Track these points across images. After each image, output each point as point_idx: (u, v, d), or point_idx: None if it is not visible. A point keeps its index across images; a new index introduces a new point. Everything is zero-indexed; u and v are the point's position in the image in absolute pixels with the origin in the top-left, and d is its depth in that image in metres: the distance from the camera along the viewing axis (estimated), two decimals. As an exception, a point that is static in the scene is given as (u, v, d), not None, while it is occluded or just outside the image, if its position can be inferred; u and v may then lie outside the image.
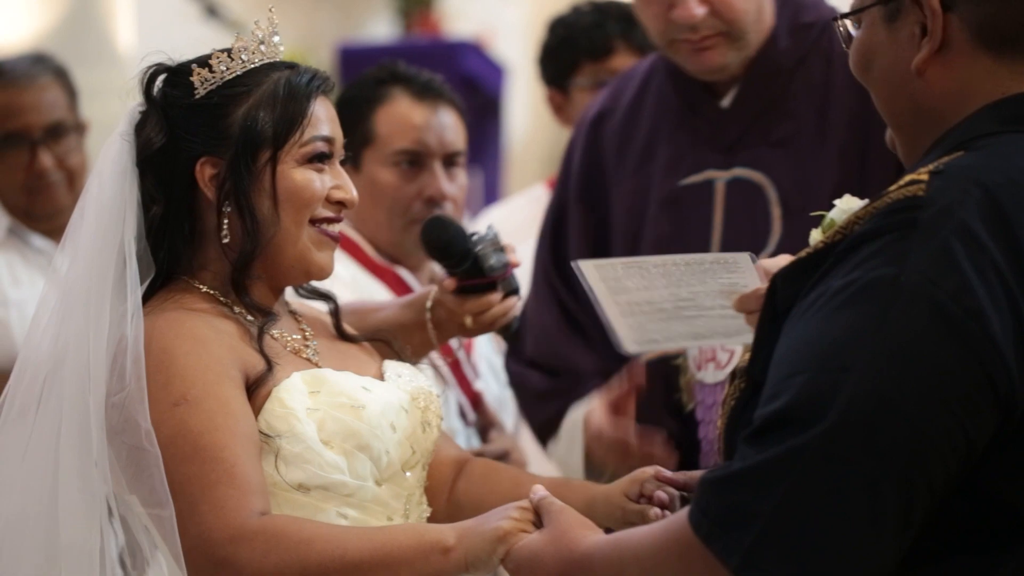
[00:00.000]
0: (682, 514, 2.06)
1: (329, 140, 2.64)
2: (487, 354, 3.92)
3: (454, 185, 3.75)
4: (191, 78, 2.61)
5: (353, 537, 2.43)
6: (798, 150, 3.25)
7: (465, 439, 3.67)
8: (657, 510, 2.55)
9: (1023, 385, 1.95)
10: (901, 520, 1.94)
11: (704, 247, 3.22)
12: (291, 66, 2.66)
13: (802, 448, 1.94)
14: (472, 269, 3.08)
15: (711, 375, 3.23)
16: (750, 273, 2.93)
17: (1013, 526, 2.00)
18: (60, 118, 4.31)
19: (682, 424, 3.25)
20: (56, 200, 4.27)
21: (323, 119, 2.63)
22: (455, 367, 3.69)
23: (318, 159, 2.61)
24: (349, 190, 2.65)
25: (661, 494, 2.57)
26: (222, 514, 2.39)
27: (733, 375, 2.25)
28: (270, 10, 2.67)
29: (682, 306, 3.06)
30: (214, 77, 2.61)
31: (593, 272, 3.06)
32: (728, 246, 3.21)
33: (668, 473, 2.60)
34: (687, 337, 3.10)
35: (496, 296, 3.06)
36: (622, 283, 3.07)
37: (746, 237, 3.22)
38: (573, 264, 3.09)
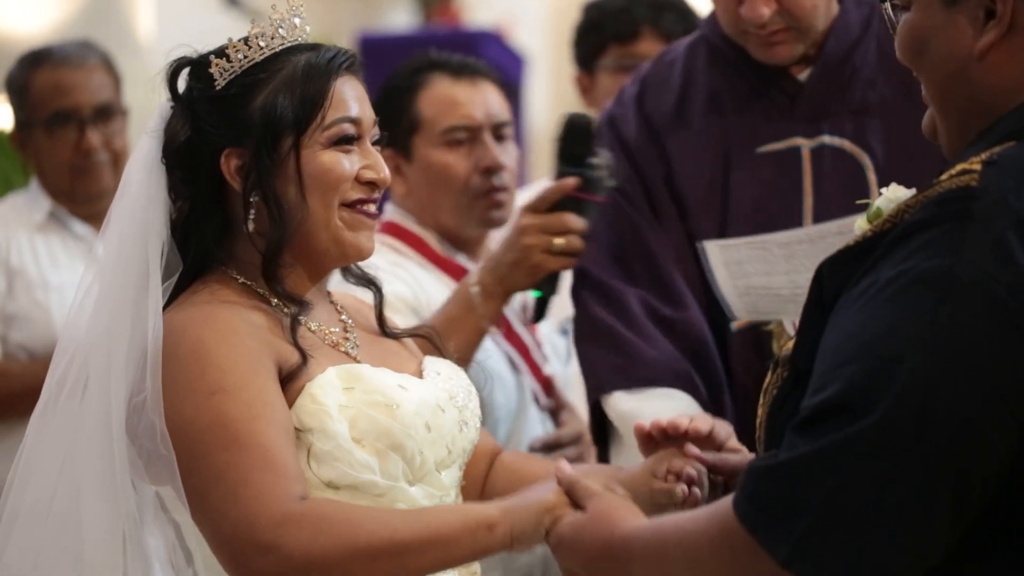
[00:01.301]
0: (726, 502, 2.04)
1: (355, 121, 2.58)
2: (548, 335, 3.93)
3: (507, 155, 3.76)
4: (210, 70, 2.57)
5: (400, 518, 2.43)
6: (886, 116, 3.25)
7: (541, 424, 3.68)
8: (683, 487, 2.52)
9: None
10: (952, 512, 1.92)
11: (796, 213, 3.20)
12: (314, 47, 2.60)
13: (853, 439, 1.92)
14: (589, 182, 3.15)
15: None
16: None
17: None
18: (108, 100, 4.33)
19: None
20: (101, 181, 4.29)
21: (348, 98, 2.58)
22: (525, 353, 3.70)
23: (344, 141, 2.57)
24: (380, 169, 2.60)
25: (689, 470, 2.53)
26: (265, 499, 2.37)
27: (775, 363, 2.23)
28: None
29: (799, 292, 3.06)
30: (232, 67, 2.57)
31: (716, 253, 3.06)
32: (824, 213, 3.20)
33: (695, 450, 2.56)
34: (797, 313, 3.10)
35: (581, 224, 3.15)
36: (743, 267, 3.08)
37: (843, 204, 3.18)
38: (697, 244, 3.10)
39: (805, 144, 3.26)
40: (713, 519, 2.05)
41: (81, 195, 4.31)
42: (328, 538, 2.35)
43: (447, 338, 2.99)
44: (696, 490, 2.53)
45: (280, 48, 2.58)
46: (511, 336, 3.60)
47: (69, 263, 4.27)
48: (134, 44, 6.54)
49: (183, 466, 2.42)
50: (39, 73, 4.33)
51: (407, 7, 9.12)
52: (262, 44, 2.58)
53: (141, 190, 2.56)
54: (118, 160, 4.26)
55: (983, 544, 1.98)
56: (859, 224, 2.17)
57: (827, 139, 3.26)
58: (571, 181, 3.21)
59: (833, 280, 2.07)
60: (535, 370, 3.70)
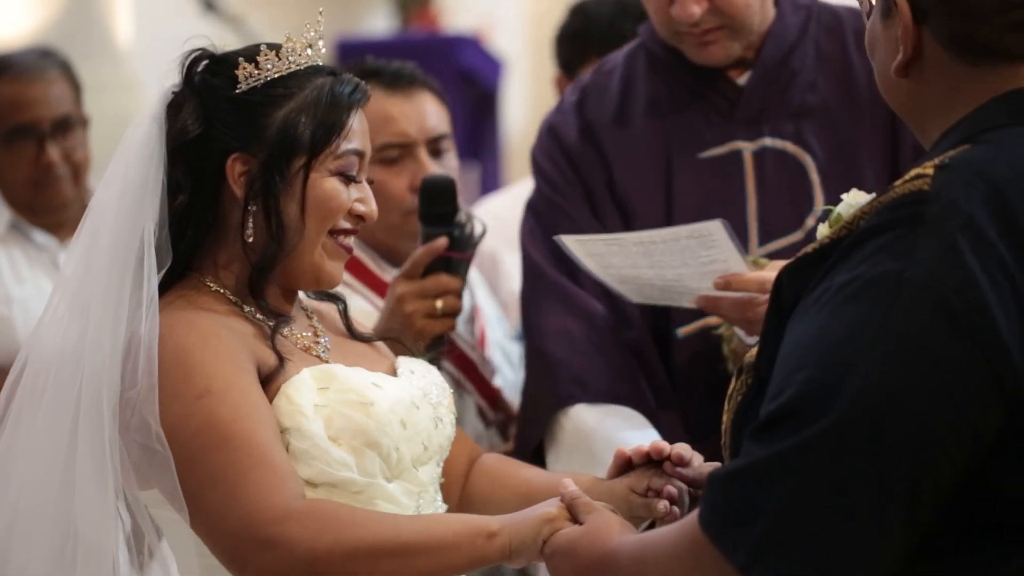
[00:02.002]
0: (695, 514, 2.06)
1: (360, 154, 2.63)
2: (499, 341, 3.90)
3: (444, 169, 3.70)
4: (236, 71, 2.58)
5: (403, 521, 2.46)
6: (825, 118, 3.27)
7: (487, 441, 3.62)
8: (665, 503, 2.54)
9: None
10: (908, 516, 1.94)
11: (740, 215, 3.21)
12: (333, 72, 2.64)
13: (807, 443, 1.94)
14: (458, 240, 3.16)
15: None
16: (726, 245, 2.94)
17: (1021, 522, 1.99)
18: (68, 112, 4.29)
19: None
20: (62, 194, 4.26)
21: (358, 132, 2.62)
22: (470, 370, 3.63)
23: (349, 174, 2.61)
24: (371, 204, 2.64)
25: (670, 488, 2.56)
26: (266, 496, 2.38)
27: (739, 370, 2.24)
28: (319, 12, 2.65)
29: (671, 285, 3.07)
30: (259, 74, 2.58)
31: (576, 247, 3.07)
32: (768, 215, 3.22)
33: (677, 469, 2.59)
34: (683, 300, 3.11)
35: (458, 283, 3.17)
36: (607, 259, 3.08)
37: (787, 206, 3.22)
38: (556, 239, 3.09)
39: (747, 147, 3.27)
40: (682, 531, 2.07)
41: (42, 208, 4.28)
42: (332, 535, 2.37)
43: None
44: (676, 508, 2.56)
45: (305, 66, 2.61)
46: (453, 354, 3.54)
47: (32, 275, 4.25)
48: (113, 49, 6.54)
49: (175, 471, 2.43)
50: None
51: (385, 12, 9.13)
52: (291, 59, 2.60)
53: (141, 177, 2.55)
54: (79, 172, 4.26)
55: (942, 548, 1.99)
56: (820, 230, 2.20)
57: (768, 141, 3.26)
58: (441, 242, 3.22)
59: (791, 287, 2.09)
60: (481, 386, 3.65)
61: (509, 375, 3.81)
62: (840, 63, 3.29)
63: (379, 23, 9.15)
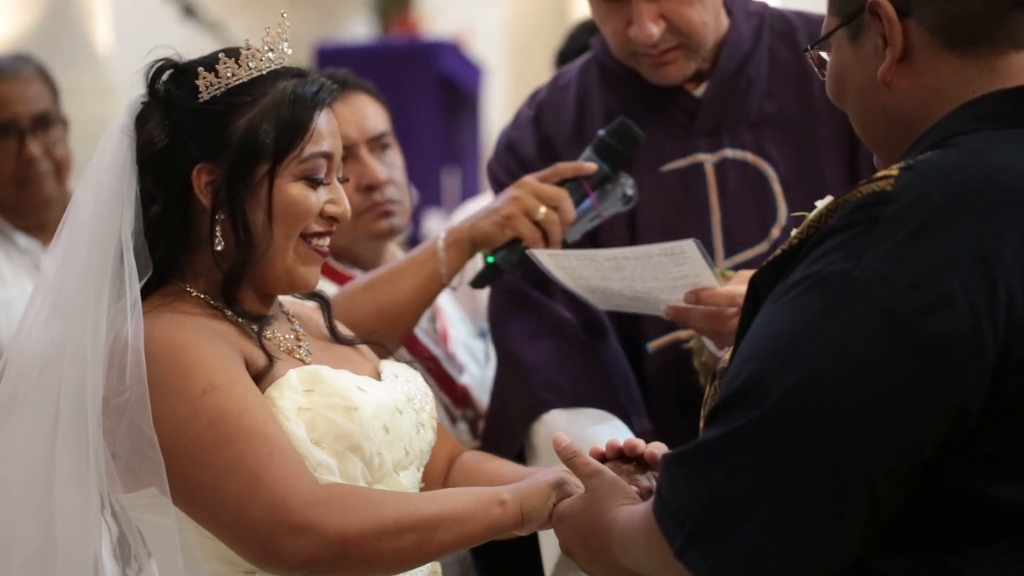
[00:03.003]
0: None
1: (329, 156, 2.61)
2: (462, 339, 3.91)
3: (388, 167, 3.70)
4: (196, 81, 2.58)
5: (419, 497, 2.51)
6: (784, 126, 3.26)
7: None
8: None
9: (978, 383, 1.95)
10: (833, 512, 1.95)
11: (705, 228, 3.20)
12: (301, 74, 2.63)
13: (738, 431, 1.98)
14: (603, 183, 3.12)
15: None
16: (698, 262, 2.94)
17: (984, 519, 2.00)
18: (46, 108, 4.31)
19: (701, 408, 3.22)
20: (44, 191, 4.28)
21: (325, 134, 2.60)
22: (435, 367, 3.64)
23: (316, 178, 2.60)
24: (342, 204, 2.63)
25: (645, 483, 2.56)
26: (290, 482, 2.40)
27: (713, 376, 2.27)
28: (282, 14, 2.63)
29: (640, 296, 3.07)
30: (219, 82, 2.57)
31: (547, 260, 3.07)
32: (732, 227, 3.21)
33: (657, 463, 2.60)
34: (652, 310, 3.11)
35: (572, 214, 3.11)
36: (577, 271, 3.08)
37: (751, 217, 3.22)
38: (527, 252, 3.08)
39: (708, 159, 3.25)
40: (644, 512, 2.12)
41: (26, 206, 4.29)
42: (357, 514, 2.40)
43: (403, 278, 3.07)
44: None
45: (267, 71, 2.60)
46: (416, 349, 3.54)
47: (14, 278, 4.25)
48: (92, 55, 6.54)
49: (183, 467, 2.43)
50: None
51: (365, 17, 9.13)
52: (251, 65, 2.59)
53: (115, 187, 2.56)
54: (60, 169, 4.28)
55: (905, 548, 2.01)
56: (794, 234, 2.22)
57: (729, 152, 3.25)
58: (588, 165, 3.15)
59: (764, 289, 2.11)
60: (446, 383, 3.65)
61: (475, 372, 3.82)
62: (795, 69, 3.28)
63: (359, 29, 9.15)
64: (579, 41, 4.50)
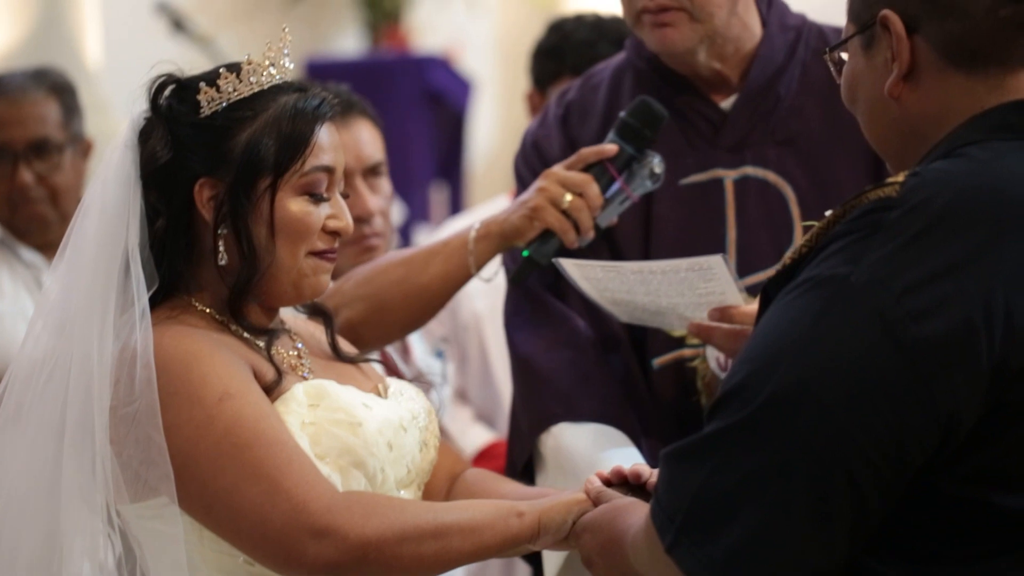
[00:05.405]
0: None
1: (330, 170, 2.62)
2: (422, 358, 3.92)
3: (379, 197, 3.70)
4: (198, 96, 2.59)
5: (438, 505, 2.54)
6: (809, 148, 3.23)
7: None
8: None
9: (972, 391, 1.96)
10: (817, 512, 1.96)
11: (719, 245, 3.17)
12: (302, 88, 2.63)
13: (727, 430, 2.00)
14: (629, 164, 3.09)
15: None
16: (725, 278, 2.94)
17: (987, 528, 2.01)
18: (46, 134, 4.27)
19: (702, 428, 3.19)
20: (38, 216, 4.26)
21: (326, 147, 2.61)
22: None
23: (317, 193, 2.60)
24: (344, 218, 2.64)
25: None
26: (310, 487, 2.42)
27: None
28: (284, 29, 2.64)
29: (664, 311, 3.06)
30: (221, 97, 2.58)
31: (574, 270, 3.06)
32: (746, 244, 3.19)
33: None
34: (675, 325, 3.10)
35: (600, 199, 3.07)
36: (603, 283, 3.07)
37: (767, 236, 3.19)
38: (554, 261, 3.07)
39: (728, 175, 3.23)
40: (647, 511, 2.13)
41: (21, 227, 4.29)
42: (379, 519, 2.42)
43: (434, 263, 3.07)
44: None
45: (268, 85, 2.60)
46: (387, 367, 3.54)
47: (13, 291, 4.25)
48: (82, 71, 6.52)
49: (200, 475, 2.44)
50: None
51: (355, 32, 9.13)
52: (252, 80, 2.60)
53: (120, 201, 2.57)
54: (57, 195, 4.25)
55: (890, 556, 2.02)
56: (803, 242, 2.22)
57: (750, 170, 3.22)
58: (610, 147, 3.11)
59: (774, 297, 2.11)
60: None
61: (433, 394, 3.82)
62: (826, 87, 3.18)
63: (348, 43, 9.15)
64: (555, 36, 4.52)
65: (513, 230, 3.13)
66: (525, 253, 3.13)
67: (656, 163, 3.12)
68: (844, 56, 2.27)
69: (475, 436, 4.44)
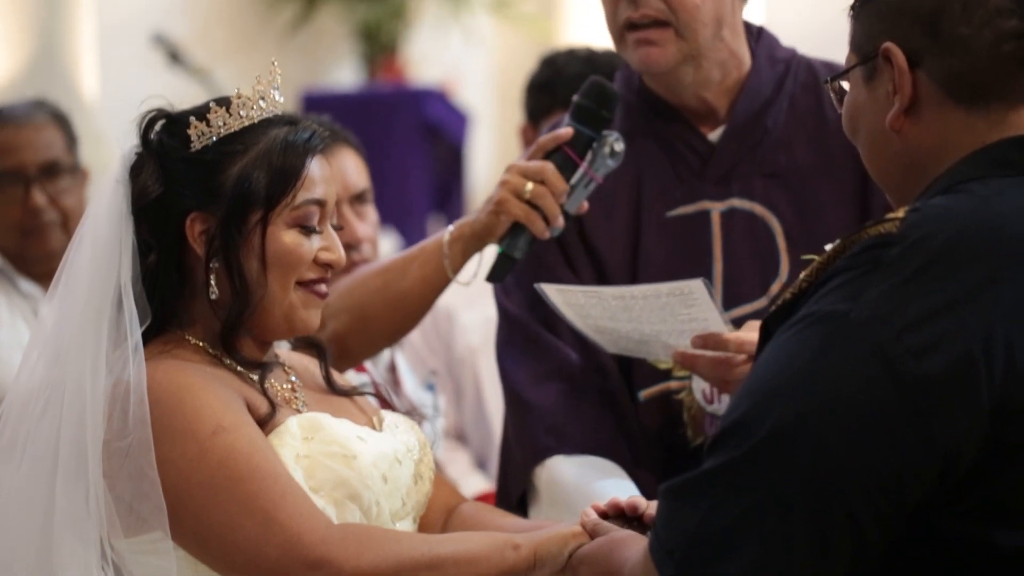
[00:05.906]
0: None
1: (322, 203, 2.62)
2: (413, 391, 3.91)
3: (366, 224, 3.72)
4: (188, 131, 2.59)
5: (433, 538, 2.54)
6: (796, 181, 3.21)
7: None
8: None
9: (971, 427, 1.95)
10: (815, 548, 1.96)
11: (706, 278, 3.09)
12: (292, 121, 2.63)
13: (726, 466, 1.99)
14: (588, 146, 3.06)
15: (725, 407, 3.16)
16: (706, 303, 2.93)
17: (985, 565, 2.00)
18: (55, 157, 4.29)
19: (688, 461, 3.18)
20: (49, 242, 4.24)
21: (317, 180, 2.61)
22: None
23: (309, 225, 2.60)
24: (336, 250, 2.64)
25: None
26: (304, 519, 2.42)
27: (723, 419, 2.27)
28: (272, 63, 2.64)
29: (647, 340, 3.05)
30: (211, 132, 2.58)
31: (556, 295, 3.06)
32: (733, 278, 3.18)
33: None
34: (660, 354, 3.09)
35: (562, 183, 3.04)
36: (585, 310, 3.06)
37: (753, 269, 3.18)
38: (536, 287, 3.06)
39: (715, 207, 3.21)
40: (645, 546, 2.13)
41: (31, 256, 4.27)
42: (373, 552, 2.41)
43: (412, 269, 3.07)
44: None
45: (259, 119, 2.60)
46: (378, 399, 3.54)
47: (11, 321, 4.23)
48: (78, 102, 6.53)
49: (195, 509, 2.44)
50: None
51: (351, 64, 9.15)
52: (242, 113, 2.59)
53: (111, 237, 2.56)
54: (68, 219, 4.24)
55: None
56: (803, 276, 2.22)
57: (737, 202, 3.21)
58: (565, 131, 3.08)
59: (775, 332, 2.11)
60: None
61: (426, 428, 3.81)
62: (815, 121, 3.23)
63: (345, 76, 9.16)
64: (548, 71, 4.52)
65: (483, 228, 3.13)
66: (500, 249, 3.12)
67: (614, 140, 3.10)
68: (845, 86, 2.27)
69: (474, 484, 4.43)
